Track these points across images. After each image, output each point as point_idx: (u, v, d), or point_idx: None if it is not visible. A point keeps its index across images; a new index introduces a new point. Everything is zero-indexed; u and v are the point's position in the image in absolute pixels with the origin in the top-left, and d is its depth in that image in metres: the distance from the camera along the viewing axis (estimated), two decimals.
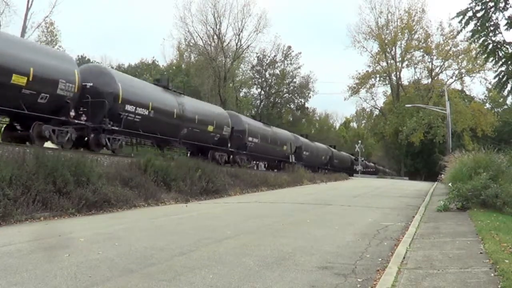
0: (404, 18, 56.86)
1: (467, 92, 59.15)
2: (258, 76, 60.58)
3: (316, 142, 45.91)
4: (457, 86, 58.02)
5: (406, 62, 58.66)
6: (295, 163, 35.09)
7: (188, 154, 23.45)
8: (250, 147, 27.67)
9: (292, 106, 64.96)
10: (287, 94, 63.17)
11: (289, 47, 60.51)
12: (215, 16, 50.20)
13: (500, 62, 14.33)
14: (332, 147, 52.06)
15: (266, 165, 34.10)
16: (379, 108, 66.05)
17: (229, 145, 25.45)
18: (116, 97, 16.81)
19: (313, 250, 7.20)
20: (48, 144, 15.15)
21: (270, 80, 61.14)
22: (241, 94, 61.16)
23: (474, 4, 13.34)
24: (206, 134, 22.91)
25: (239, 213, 12.81)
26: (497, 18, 13.39)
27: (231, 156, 25.84)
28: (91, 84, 16.36)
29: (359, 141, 65.47)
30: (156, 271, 5.64)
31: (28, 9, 35.75)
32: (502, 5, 13.08)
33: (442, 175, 24.26)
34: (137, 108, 17.84)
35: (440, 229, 9.13)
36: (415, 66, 58.67)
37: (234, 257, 6.49)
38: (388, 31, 57.89)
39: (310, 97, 64.61)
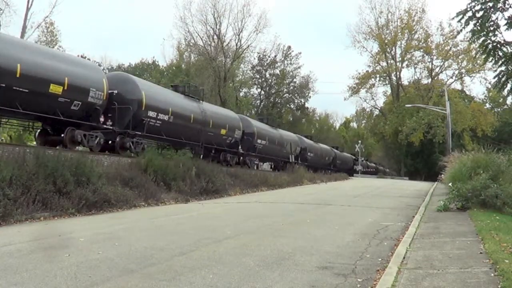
0: (404, 18, 56.93)
1: (467, 92, 59.38)
2: (258, 76, 60.60)
3: (280, 129, 36.44)
4: (457, 86, 58.21)
5: (406, 62, 58.79)
6: (245, 153, 27.15)
7: (37, 134, 16.30)
8: (153, 126, 18.57)
9: (292, 106, 64.97)
10: (287, 94, 63.18)
11: (289, 47, 60.62)
12: (215, 16, 50.16)
13: (500, 62, 14.36)
14: (309, 137, 43.39)
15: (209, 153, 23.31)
16: (379, 108, 66.13)
17: (101, 119, 16.48)
18: None
19: (313, 250, 7.20)
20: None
21: (270, 80, 61.15)
22: (241, 94, 61.14)
23: (473, 4, 13.36)
24: (48, 98, 14.20)
25: (239, 213, 12.81)
26: (497, 18, 13.41)
27: (117, 140, 17.34)
28: None
29: (359, 141, 65.46)
30: (156, 271, 5.64)
31: (28, 9, 35.69)
32: (501, 5, 13.09)
33: (442, 175, 24.26)
34: None
35: (440, 229, 9.13)
36: (415, 66, 58.82)
37: (234, 257, 6.49)
38: (388, 31, 57.95)
39: (310, 97, 64.77)
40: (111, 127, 16.89)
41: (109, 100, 16.67)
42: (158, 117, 18.91)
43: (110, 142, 17.45)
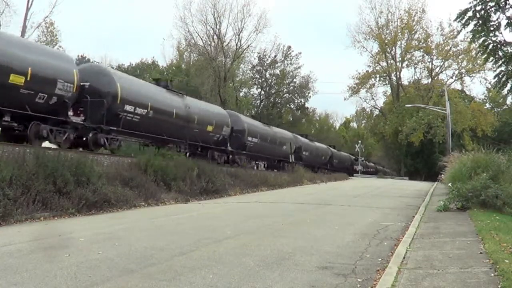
0: (404, 18, 56.90)
1: (467, 92, 59.37)
2: (258, 76, 60.61)
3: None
4: (457, 86, 58.20)
5: (406, 62, 58.73)
6: (234, 151, 25.79)
7: None
8: (130, 121, 17.80)
9: (292, 106, 64.98)
10: (287, 94, 63.18)
11: (289, 47, 60.64)
12: (215, 16, 50.17)
13: (500, 62, 14.39)
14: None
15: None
16: (379, 108, 66.11)
17: (71, 113, 15.82)
18: None
19: (313, 250, 7.20)
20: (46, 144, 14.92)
21: (270, 80, 61.16)
22: (241, 94, 61.18)
23: (474, 3, 13.37)
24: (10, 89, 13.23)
25: (239, 213, 12.81)
26: (497, 18, 13.44)
27: (90, 135, 16.41)
28: None
29: (359, 141, 65.47)
30: (156, 271, 5.64)
31: (28, 9, 35.75)
32: (502, 5, 13.11)
33: (442, 175, 24.26)
34: None
35: (440, 229, 9.13)
36: (415, 66, 58.78)
37: (234, 257, 6.49)
38: (388, 31, 57.91)
39: (310, 97, 64.77)
40: (83, 122, 15.82)
41: (80, 93, 15.65)
42: (136, 112, 17.86)
43: (83, 138, 16.33)
